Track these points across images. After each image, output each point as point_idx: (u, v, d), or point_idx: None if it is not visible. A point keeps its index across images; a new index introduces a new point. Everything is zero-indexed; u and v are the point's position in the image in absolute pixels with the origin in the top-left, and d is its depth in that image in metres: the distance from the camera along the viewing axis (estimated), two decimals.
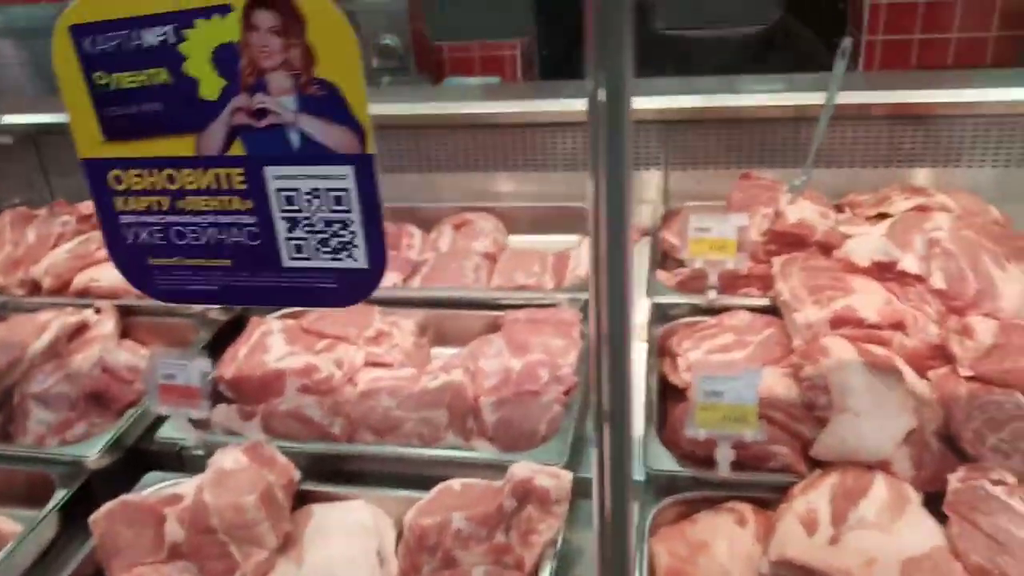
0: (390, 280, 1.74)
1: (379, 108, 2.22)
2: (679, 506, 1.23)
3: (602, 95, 0.60)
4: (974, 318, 1.29)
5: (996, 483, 1.08)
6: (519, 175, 2.22)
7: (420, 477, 1.27)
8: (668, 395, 1.44)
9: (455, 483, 1.21)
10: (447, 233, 1.92)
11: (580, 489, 1.29)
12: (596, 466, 0.71)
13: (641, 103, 2.04)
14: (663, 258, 1.75)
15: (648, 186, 2.12)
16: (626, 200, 0.62)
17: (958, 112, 1.96)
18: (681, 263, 1.60)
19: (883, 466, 1.14)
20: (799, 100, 1.97)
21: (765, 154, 2.06)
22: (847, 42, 1.65)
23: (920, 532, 1.05)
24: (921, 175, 2.01)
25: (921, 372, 1.31)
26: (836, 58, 1.66)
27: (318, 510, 1.25)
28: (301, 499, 1.28)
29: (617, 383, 0.66)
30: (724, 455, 1.18)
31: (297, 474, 1.26)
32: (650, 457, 1.26)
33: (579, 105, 2.04)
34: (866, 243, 1.49)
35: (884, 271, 1.44)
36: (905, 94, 2.00)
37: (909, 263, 1.43)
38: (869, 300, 1.36)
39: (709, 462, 1.20)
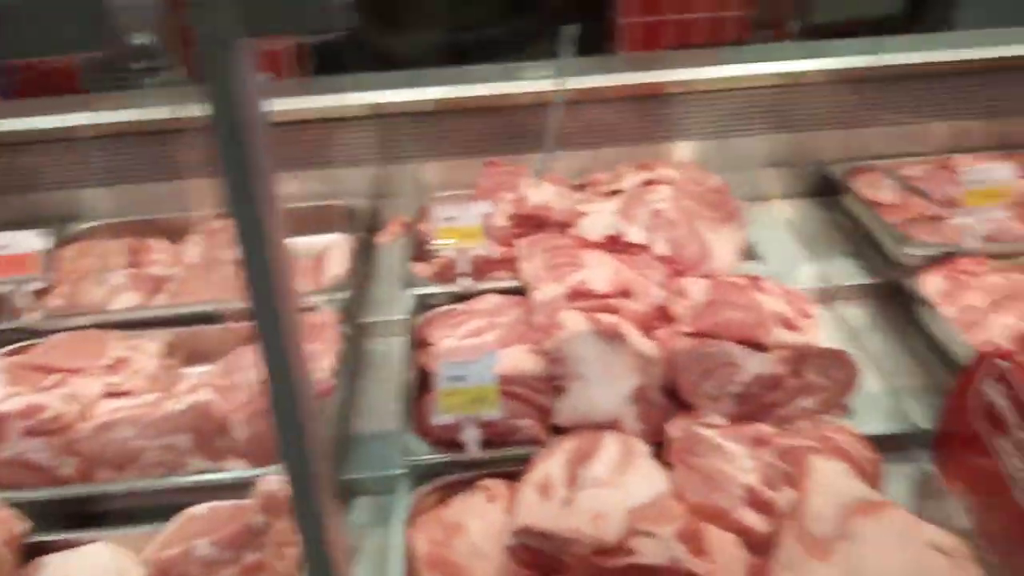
0: (130, 300, 1.62)
1: (120, 115, 2.08)
2: (439, 492, 1.26)
3: (213, 103, 0.59)
4: (688, 279, 1.42)
5: (709, 427, 1.20)
6: (283, 176, 2.15)
7: (171, 507, 1.21)
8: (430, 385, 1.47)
9: (201, 508, 1.16)
10: (197, 243, 1.83)
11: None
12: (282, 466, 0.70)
13: (395, 96, 2.04)
14: (421, 250, 1.77)
15: (410, 179, 2.13)
16: (260, 202, 0.62)
17: (687, 89, 2.11)
18: (435, 254, 1.63)
19: (614, 425, 1.22)
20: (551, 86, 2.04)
21: (525, 140, 2.13)
22: (570, 29, 1.74)
23: (647, 482, 1.14)
24: (659, 150, 2.15)
25: (649, 333, 1.42)
26: (561, 45, 1.74)
27: (53, 560, 1.15)
28: (37, 551, 1.18)
29: (279, 384, 0.65)
30: (471, 436, 1.22)
31: (21, 526, 1.16)
32: (406, 449, 1.28)
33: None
34: (598, 219, 1.59)
35: (615, 244, 1.55)
36: (641, 75, 2.13)
37: (635, 234, 1.54)
38: (600, 273, 1.45)
39: (461, 445, 1.24)
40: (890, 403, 1.43)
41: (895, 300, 1.67)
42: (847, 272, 1.78)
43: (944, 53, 2.06)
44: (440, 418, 1.19)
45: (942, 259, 1.63)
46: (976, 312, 1.51)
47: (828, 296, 1.73)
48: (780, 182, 2.12)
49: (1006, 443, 1.12)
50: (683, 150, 2.14)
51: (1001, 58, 2.05)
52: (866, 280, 1.74)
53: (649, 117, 2.14)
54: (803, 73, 2.08)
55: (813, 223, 1.98)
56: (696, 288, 1.39)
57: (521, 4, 4.10)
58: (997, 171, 1.56)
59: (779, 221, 1.99)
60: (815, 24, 4.49)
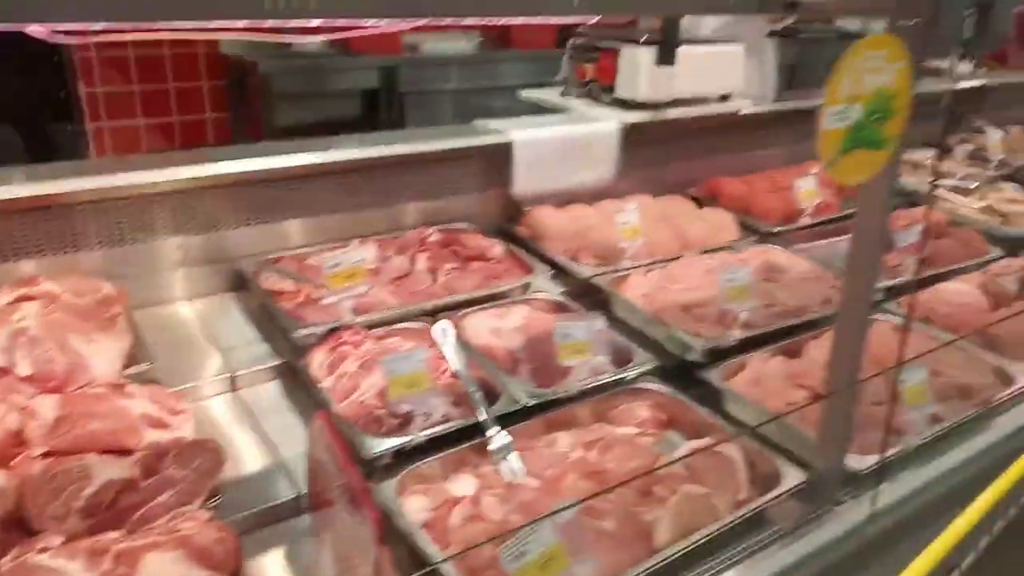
0: None
1: None
2: None
3: None
4: (37, 398, 1.37)
5: (42, 551, 1.15)
6: None
7: None
8: None
9: None
10: None
11: None
12: None
13: None
14: None
15: None
16: None
17: (95, 197, 2.03)
18: None
19: None
20: None
21: None
22: None
23: None
24: (61, 261, 1.99)
25: (8, 462, 1.32)
26: None
27: None
28: None
29: None
30: None
31: None
32: None
33: None
34: None
35: None
36: (41, 186, 1.99)
37: None
38: None
39: None
40: (285, 475, 1.55)
41: (297, 378, 1.83)
42: (259, 357, 1.90)
43: (375, 149, 2.34)
44: None
45: (327, 335, 1.84)
46: (350, 378, 1.73)
47: (238, 384, 1.83)
48: (200, 282, 2.18)
49: (335, 489, 1.29)
50: (91, 260, 2.03)
51: (426, 152, 2.41)
52: (273, 363, 1.88)
53: (49, 228, 2.00)
54: (225, 175, 2.15)
55: (230, 316, 2.08)
56: (46, 406, 1.35)
57: None
58: (353, 254, 1.82)
59: (192, 320, 2.05)
60: (285, 126, 4.84)
